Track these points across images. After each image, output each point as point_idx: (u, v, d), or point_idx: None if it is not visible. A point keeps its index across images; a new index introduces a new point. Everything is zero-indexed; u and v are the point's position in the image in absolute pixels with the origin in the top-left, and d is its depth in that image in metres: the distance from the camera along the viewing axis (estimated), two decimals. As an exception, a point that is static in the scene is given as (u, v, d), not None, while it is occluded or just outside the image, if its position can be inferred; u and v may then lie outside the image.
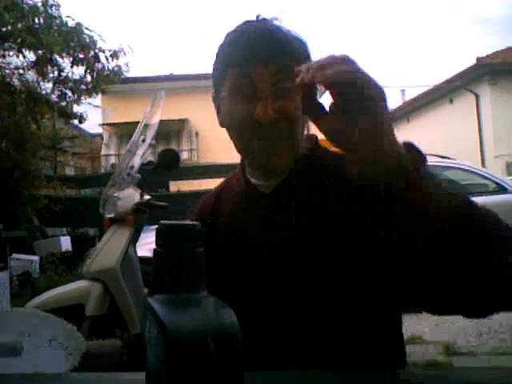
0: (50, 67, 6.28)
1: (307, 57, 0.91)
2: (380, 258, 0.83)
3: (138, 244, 3.04)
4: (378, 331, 0.96)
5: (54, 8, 6.19)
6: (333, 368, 0.86)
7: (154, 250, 0.51)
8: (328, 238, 0.88)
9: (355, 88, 0.63)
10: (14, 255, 5.57)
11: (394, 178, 0.65)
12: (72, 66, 6.45)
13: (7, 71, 6.50)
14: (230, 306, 0.49)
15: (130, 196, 2.82)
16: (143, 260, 2.99)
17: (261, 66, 0.86)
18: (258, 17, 0.94)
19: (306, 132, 0.96)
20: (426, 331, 4.41)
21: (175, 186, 10.94)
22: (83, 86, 6.63)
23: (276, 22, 0.92)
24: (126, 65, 7.02)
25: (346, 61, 0.64)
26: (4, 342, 0.81)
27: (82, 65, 6.43)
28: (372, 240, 0.83)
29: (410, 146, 0.67)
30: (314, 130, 0.86)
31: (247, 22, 0.93)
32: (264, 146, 0.88)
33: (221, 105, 0.94)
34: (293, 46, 0.89)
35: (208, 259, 0.52)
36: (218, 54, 0.94)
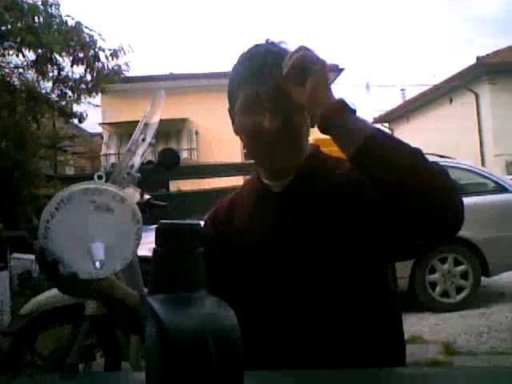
0: (49, 66, 6.26)
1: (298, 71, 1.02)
2: (371, 252, 0.96)
3: (137, 243, 3.03)
4: (378, 330, 0.96)
5: (53, 7, 6.18)
6: (333, 367, 0.86)
7: (154, 249, 0.51)
8: (332, 234, 0.98)
9: (307, 65, 0.92)
10: (15, 255, 5.57)
11: (326, 115, 0.91)
12: (72, 65, 6.43)
13: (7, 70, 6.49)
14: (241, 302, 0.49)
15: (130, 195, 2.80)
16: (143, 260, 2.98)
17: (266, 83, 1.00)
18: (267, 40, 1.09)
19: (309, 140, 1.10)
20: (426, 331, 4.41)
21: (175, 186, 10.94)
22: (83, 86, 6.62)
23: (282, 45, 1.07)
24: (126, 64, 7.00)
25: (302, 49, 0.92)
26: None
27: (82, 64, 6.41)
28: (367, 237, 0.94)
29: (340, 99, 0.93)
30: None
31: (257, 45, 1.08)
32: (272, 152, 1.02)
33: (235, 116, 1.08)
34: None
35: (222, 260, 0.58)
36: (232, 73, 1.09)
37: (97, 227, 0.82)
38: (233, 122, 1.10)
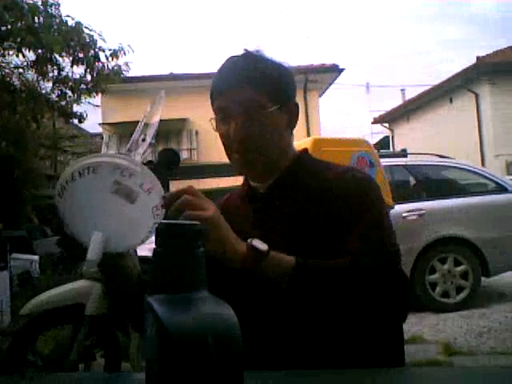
0: (49, 66, 6.26)
1: (278, 81, 1.08)
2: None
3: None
4: (377, 331, 0.96)
5: (53, 7, 6.18)
6: (332, 367, 0.86)
7: (154, 249, 0.51)
8: (309, 236, 1.00)
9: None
10: (14, 255, 5.57)
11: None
12: (72, 66, 6.43)
13: (7, 70, 6.49)
14: (231, 303, 0.49)
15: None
16: (143, 260, 2.98)
17: (234, 93, 1.04)
18: (244, 50, 1.12)
19: (290, 142, 1.14)
20: (426, 331, 4.41)
21: (175, 186, 10.93)
22: (83, 86, 6.62)
23: (257, 54, 1.10)
24: (126, 64, 7.01)
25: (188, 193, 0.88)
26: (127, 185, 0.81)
27: (82, 64, 6.41)
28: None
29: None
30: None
31: (232, 56, 1.11)
32: (240, 159, 1.07)
33: (215, 123, 1.13)
34: (266, 74, 1.06)
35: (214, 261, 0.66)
36: (212, 81, 1.13)
37: (109, 212, 0.80)
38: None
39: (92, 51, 6.41)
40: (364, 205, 1.02)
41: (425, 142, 17.24)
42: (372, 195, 1.06)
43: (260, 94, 1.04)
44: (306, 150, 1.20)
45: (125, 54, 6.64)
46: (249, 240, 0.91)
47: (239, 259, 0.89)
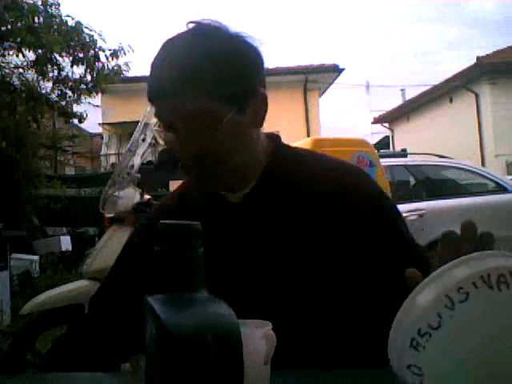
0: (49, 66, 6.26)
1: (245, 68, 0.85)
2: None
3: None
4: (363, 331, 0.90)
5: (53, 7, 6.18)
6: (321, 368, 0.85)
7: (154, 249, 0.51)
8: (303, 247, 0.86)
9: None
10: (14, 255, 5.57)
11: None
12: (72, 66, 6.44)
13: (7, 70, 6.49)
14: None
15: (130, 195, 2.82)
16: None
17: (172, 100, 0.80)
18: (187, 26, 0.85)
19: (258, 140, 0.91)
20: (426, 331, 4.40)
21: (175, 186, 10.93)
22: (83, 86, 6.62)
23: (206, 32, 0.83)
24: (126, 64, 7.01)
25: None
26: None
27: (82, 64, 6.41)
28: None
29: None
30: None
31: (169, 40, 0.84)
32: (200, 176, 0.88)
33: (158, 132, 0.92)
34: (218, 64, 0.81)
35: None
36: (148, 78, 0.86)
37: None
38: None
39: (92, 51, 6.42)
40: (377, 210, 0.87)
41: (425, 141, 17.24)
42: (378, 192, 0.91)
43: (211, 97, 0.80)
44: (278, 138, 0.97)
45: (125, 53, 6.65)
46: None
47: None
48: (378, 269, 0.85)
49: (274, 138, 0.96)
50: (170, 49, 0.83)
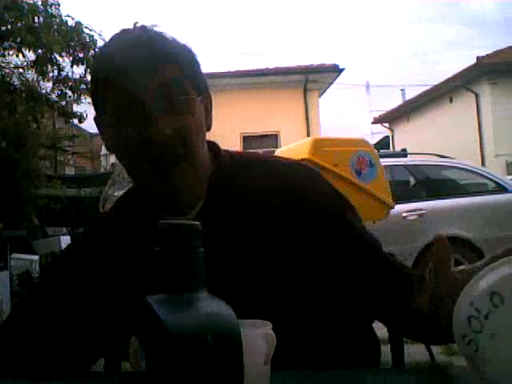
0: (49, 66, 6.26)
1: (194, 63, 0.83)
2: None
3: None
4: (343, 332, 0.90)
5: (53, 7, 6.18)
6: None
7: (154, 249, 0.51)
8: (271, 260, 0.83)
9: None
10: (14, 255, 5.57)
11: None
12: (72, 66, 6.44)
13: (7, 70, 6.49)
14: None
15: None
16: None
17: (145, 78, 0.75)
18: (135, 24, 0.82)
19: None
20: (426, 331, 4.39)
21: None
22: (83, 86, 6.62)
23: (156, 29, 0.81)
24: (126, 64, 7.01)
25: None
26: None
27: (82, 64, 6.41)
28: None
29: None
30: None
31: (123, 30, 0.81)
32: (162, 172, 0.77)
33: (105, 127, 0.81)
34: (178, 52, 0.80)
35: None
36: (94, 70, 0.83)
37: None
38: (102, 135, 0.84)
39: (92, 51, 6.41)
40: (333, 209, 0.87)
41: (425, 141, 17.24)
42: (332, 192, 0.89)
43: (183, 76, 0.77)
44: (215, 145, 0.90)
45: (125, 53, 6.65)
46: None
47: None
48: (338, 268, 0.86)
49: (211, 145, 0.90)
50: (138, 33, 0.80)
